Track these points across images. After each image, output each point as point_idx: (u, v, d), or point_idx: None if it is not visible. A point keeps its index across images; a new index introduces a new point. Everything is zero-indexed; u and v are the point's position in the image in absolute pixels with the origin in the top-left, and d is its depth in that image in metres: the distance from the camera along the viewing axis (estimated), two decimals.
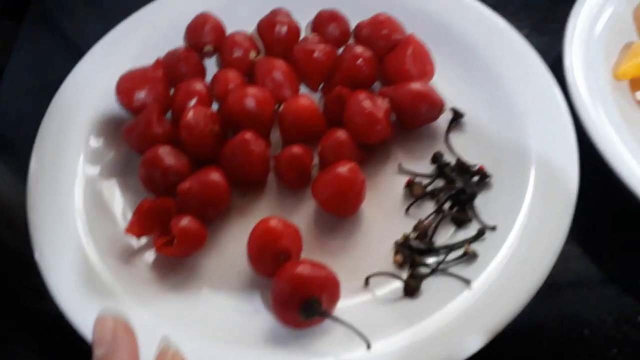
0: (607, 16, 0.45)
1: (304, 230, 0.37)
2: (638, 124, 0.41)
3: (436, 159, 0.40)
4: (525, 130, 0.39)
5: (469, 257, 0.34)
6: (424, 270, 0.34)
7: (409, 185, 0.38)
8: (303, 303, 0.30)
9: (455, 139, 0.41)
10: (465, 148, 0.41)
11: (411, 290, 0.33)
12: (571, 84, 0.40)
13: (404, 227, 0.37)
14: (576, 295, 0.37)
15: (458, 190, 0.37)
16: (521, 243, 0.34)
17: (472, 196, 0.37)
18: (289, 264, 0.31)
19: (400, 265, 0.35)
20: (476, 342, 0.30)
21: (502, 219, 0.35)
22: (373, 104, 0.39)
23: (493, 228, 0.35)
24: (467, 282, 0.33)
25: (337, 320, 0.30)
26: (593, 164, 0.37)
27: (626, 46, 0.44)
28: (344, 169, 0.36)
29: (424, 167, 0.40)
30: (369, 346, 0.29)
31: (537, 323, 0.35)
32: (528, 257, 0.33)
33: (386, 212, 0.38)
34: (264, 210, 0.38)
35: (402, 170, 0.40)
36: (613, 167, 0.36)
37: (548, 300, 0.36)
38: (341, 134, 0.39)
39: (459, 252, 0.35)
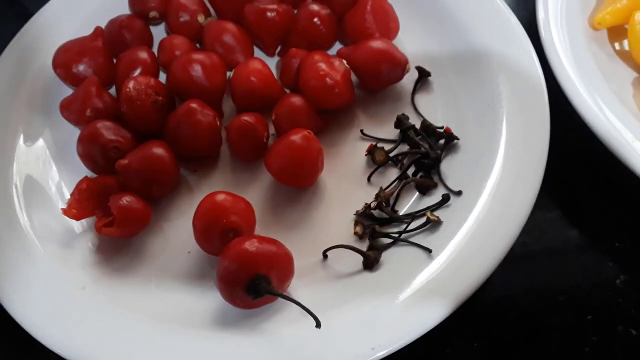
0: None
1: (260, 205, 0.35)
2: (616, 76, 0.38)
3: (400, 122, 0.37)
4: (495, 89, 0.36)
5: (433, 225, 0.32)
6: (385, 240, 0.32)
7: (371, 151, 0.36)
8: (249, 282, 0.28)
9: (422, 100, 0.39)
10: (433, 109, 0.38)
11: (370, 262, 0.31)
12: (544, 37, 0.37)
13: (367, 196, 0.34)
14: (551, 262, 0.34)
15: (422, 155, 0.35)
16: (489, 209, 0.31)
17: (437, 160, 0.35)
18: (235, 240, 0.29)
19: (361, 237, 0.33)
20: (440, 313, 0.28)
21: (469, 184, 0.33)
22: (329, 67, 0.36)
23: (458, 193, 0.33)
24: (428, 251, 0.30)
25: (286, 298, 0.28)
26: (569, 124, 0.35)
27: None
28: (296, 137, 0.33)
29: (389, 131, 0.37)
30: (318, 325, 0.27)
31: (510, 293, 0.33)
32: (495, 225, 0.30)
33: (348, 181, 0.36)
34: (216, 186, 0.36)
35: (364, 136, 0.37)
36: (590, 124, 0.34)
37: (523, 269, 0.34)
38: (296, 100, 0.36)
39: (422, 220, 0.32)
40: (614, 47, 0.40)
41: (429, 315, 0.28)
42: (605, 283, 0.33)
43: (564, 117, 0.35)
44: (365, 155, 0.36)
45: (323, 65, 0.36)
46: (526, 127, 0.34)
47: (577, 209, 0.36)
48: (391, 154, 0.36)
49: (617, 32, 0.40)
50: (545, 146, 0.32)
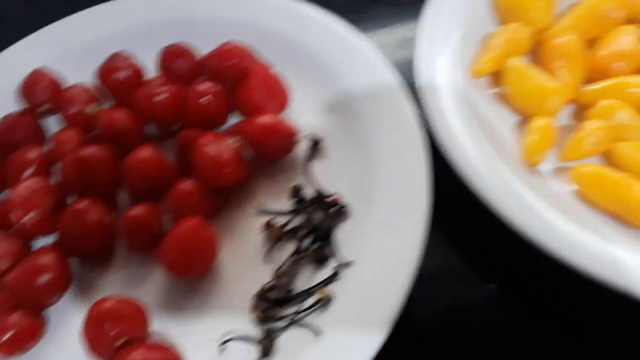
0: (462, 12, 0.44)
1: (157, 298, 0.35)
2: (498, 120, 0.39)
3: (295, 193, 0.37)
4: (376, 153, 0.37)
5: (325, 301, 0.33)
6: (282, 323, 0.33)
7: (267, 227, 0.36)
8: None
9: (319, 166, 0.39)
10: (328, 177, 0.39)
11: (266, 351, 0.31)
12: (424, 96, 0.38)
13: (266, 275, 0.35)
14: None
15: (313, 227, 0.35)
16: (372, 277, 0.32)
17: (328, 231, 0.35)
18: (123, 351, 0.29)
19: (261, 321, 0.33)
20: None
21: (356, 252, 0.34)
22: (218, 147, 0.37)
23: (347, 264, 0.34)
24: (317, 332, 0.31)
25: None
26: (451, 182, 0.36)
27: (484, 39, 0.43)
28: (185, 226, 0.33)
29: (287, 203, 0.38)
30: None
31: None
32: (381, 291, 0.31)
33: (246, 262, 0.36)
34: (111, 285, 0.35)
35: (261, 211, 0.38)
36: (473, 188, 0.35)
37: None
38: (186, 185, 0.36)
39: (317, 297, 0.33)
40: (495, 92, 0.41)
41: None
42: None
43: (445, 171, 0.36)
44: (263, 231, 0.37)
45: (211, 147, 0.36)
46: (407, 189, 0.35)
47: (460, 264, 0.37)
48: (287, 227, 0.36)
49: (497, 77, 0.41)
50: (424, 208, 0.33)
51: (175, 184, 0.36)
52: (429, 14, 0.43)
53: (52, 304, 0.34)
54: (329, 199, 0.36)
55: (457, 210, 0.37)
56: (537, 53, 0.42)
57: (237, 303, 0.34)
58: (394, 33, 0.49)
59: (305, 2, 0.45)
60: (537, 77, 0.39)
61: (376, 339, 0.29)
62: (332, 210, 0.36)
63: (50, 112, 0.41)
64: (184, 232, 0.33)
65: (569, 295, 0.34)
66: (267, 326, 0.32)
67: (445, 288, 0.36)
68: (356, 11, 0.49)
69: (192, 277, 0.35)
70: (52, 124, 0.42)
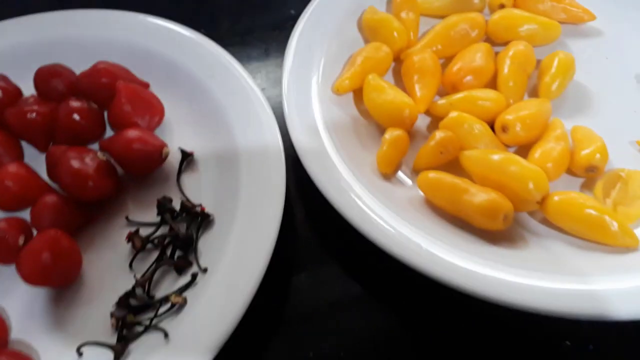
0: (334, 32, 0.47)
1: (20, 308, 0.35)
2: (365, 135, 0.42)
3: (159, 205, 0.39)
4: (239, 165, 0.39)
5: (179, 306, 0.34)
6: (139, 328, 0.34)
7: (130, 237, 0.38)
8: None
9: (189, 179, 0.41)
10: (197, 187, 0.41)
11: (117, 355, 0.32)
12: (287, 113, 0.41)
13: (130, 284, 0.36)
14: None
15: (174, 236, 0.37)
16: (222, 283, 0.34)
17: (190, 240, 0.37)
18: None
19: (118, 327, 0.34)
20: None
21: (212, 260, 0.36)
22: (81, 161, 0.38)
23: (204, 270, 0.35)
24: (165, 334, 0.32)
25: None
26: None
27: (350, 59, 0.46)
28: (44, 238, 0.34)
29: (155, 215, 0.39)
30: None
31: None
32: (227, 296, 0.33)
33: (113, 271, 0.37)
34: None
35: (130, 223, 0.39)
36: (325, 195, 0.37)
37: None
38: (49, 199, 0.37)
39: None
40: (359, 109, 0.44)
41: None
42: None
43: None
44: (127, 242, 0.38)
45: (75, 162, 0.38)
46: (263, 205, 0.37)
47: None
48: (152, 237, 0.38)
49: (360, 95, 0.44)
50: (276, 222, 0.36)
51: (38, 198, 0.37)
52: (299, 34, 0.45)
53: None
54: (195, 210, 0.38)
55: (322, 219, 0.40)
56: (398, 70, 0.46)
57: (100, 311, 0.35)
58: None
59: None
60: (391, 92, 0.42)
61: (218, 340, 0.31)
62: (196, 220, 0.38)
63: None
64: (41, 243, 0.34)
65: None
66: (125, 332, 0.33)
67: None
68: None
69: (54, 287, 0.36)
70: None
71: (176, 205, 0.39)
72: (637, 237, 0.36)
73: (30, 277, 0.34)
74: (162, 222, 0.38)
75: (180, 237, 0.37)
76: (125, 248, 0.38)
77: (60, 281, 0.36)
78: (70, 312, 0.35)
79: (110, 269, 0.37)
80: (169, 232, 0.38)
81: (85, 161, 0.38)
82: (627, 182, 0.39)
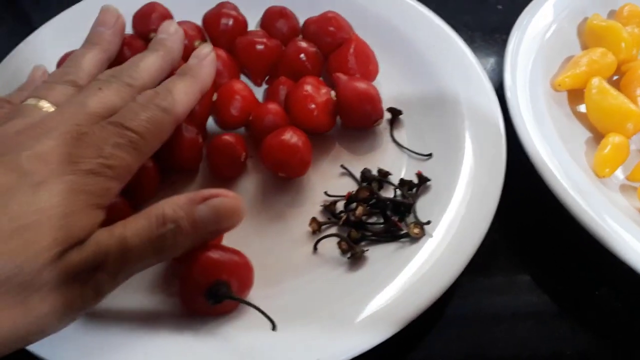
0: (551, 32, 0.46)
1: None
2: (572, 135, 0.41)
3: (364, 177, 0.39)
4: (460, 133, 0.39)
5: (412, 238, 0.35)
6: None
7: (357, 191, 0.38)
8: (209, 287, 0.29)
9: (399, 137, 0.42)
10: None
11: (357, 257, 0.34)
12: (509, 96, 0.40)
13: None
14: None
15: (396, 203, 0.37)
16: (441, 243, 0.34)
17: (407, 205, 0.36)
18: (198, 249, 0.30)
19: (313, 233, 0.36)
20: (384, 334, 0.29)
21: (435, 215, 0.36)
22: (315, 91, 0.39)
23: (427, 222, 0.35)
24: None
25: (244, 302, 0.30)
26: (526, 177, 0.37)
27: (567, 60, 0.45)
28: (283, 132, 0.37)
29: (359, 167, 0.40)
30: (274, 328, 0.29)
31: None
32: (444, 259, 0.33)
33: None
34: None
35: (344, 170, 0.40)
36: (543, 176, 0.37)
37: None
38: (273, 106, 0.39)
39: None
40: (572, 109, 0.43)
41: (375, 335, 0.30)
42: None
43: (522, 170, 0.37)
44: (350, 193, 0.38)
45: (310, 87, 0.39)
46: (483, 171, 0.37)
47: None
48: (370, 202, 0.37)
49: (576, 95, 0.43)
50: (498, 191, 0.35)
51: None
52: (521, 25, 0.45)
53: (140, 202, 0.35)
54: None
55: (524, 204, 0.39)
56: (618, 81, 0.44)
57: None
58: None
59: None
60: (619, 98, 0.41)
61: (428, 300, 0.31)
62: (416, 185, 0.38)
63: None
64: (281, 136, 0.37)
65: None
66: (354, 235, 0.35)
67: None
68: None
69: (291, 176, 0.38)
70: None
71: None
72: None
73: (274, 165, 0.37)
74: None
75: (407, 203, 0.36)
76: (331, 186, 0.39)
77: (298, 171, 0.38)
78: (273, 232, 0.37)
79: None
80: (391, 198, 0.37)
81: (319, 92, 0.39)
82: None
